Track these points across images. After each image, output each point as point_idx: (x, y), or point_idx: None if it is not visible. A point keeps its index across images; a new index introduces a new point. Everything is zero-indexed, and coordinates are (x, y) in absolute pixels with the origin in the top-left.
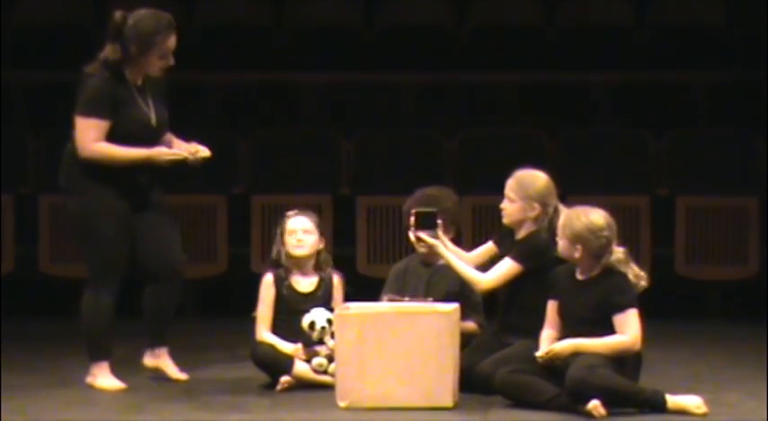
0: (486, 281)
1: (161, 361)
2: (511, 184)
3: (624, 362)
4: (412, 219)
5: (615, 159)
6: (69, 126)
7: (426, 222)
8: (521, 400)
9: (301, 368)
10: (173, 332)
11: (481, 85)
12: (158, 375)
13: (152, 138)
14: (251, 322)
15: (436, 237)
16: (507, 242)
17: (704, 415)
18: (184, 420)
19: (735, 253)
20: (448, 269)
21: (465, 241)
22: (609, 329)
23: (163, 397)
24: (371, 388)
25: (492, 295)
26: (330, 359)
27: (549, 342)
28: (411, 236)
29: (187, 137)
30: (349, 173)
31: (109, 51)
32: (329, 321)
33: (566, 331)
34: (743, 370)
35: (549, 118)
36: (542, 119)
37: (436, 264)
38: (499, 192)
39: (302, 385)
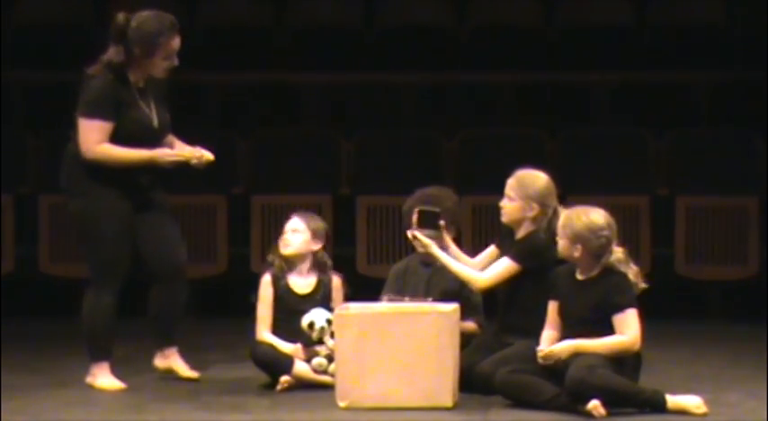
0: (482, 279)
1: (171, 361)
2: (511, 183)
3: (624, 362)
4: (414, 217)
5: (615, 159)
6: (70, 126)
7: (428, 221)
8: (521, 400)
9: (301, 368)
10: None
11: (481, 85)
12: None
13: (153, 141)
14: (251, 322)
15: (439, 236)
16: (507, 242)
17: (704, 415)
18: (184, 420)
19: (735, 253)
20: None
21: (465, 241)
22: (609, 329)
23: (163, 397)
24: (371, 388)
25: (492, 295)
26: (330, 359)
27: (550, 342)
28: (408, 233)
29: (187, 137)
30: (349, 173)
31: (112, 53)
32: (328, 321)
33: (566, 331)
34: (743, 370)
35: (549, 118)
36: (542, 119)
37: (436, 264)
38: (499, 193)
39: (302, 385)
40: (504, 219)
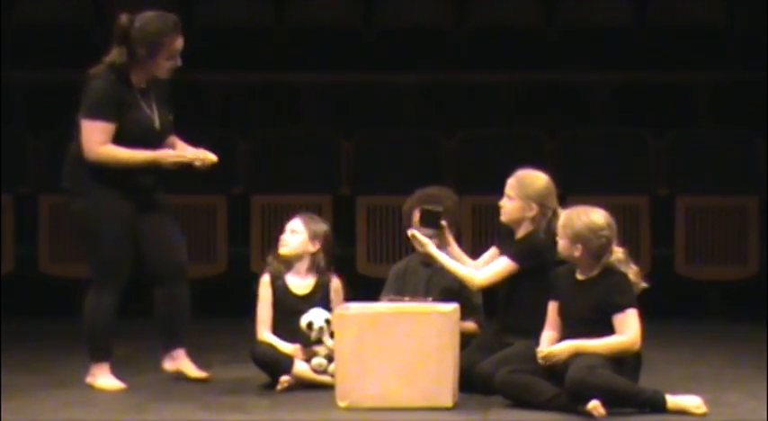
0: (480, 278)
1: (180, 362)
2: (511, 183)
3: (624, 362)
4: (416, 215)
5: (615, 159)
6: (70, 126)
7: (430, 220)
8: (520, 400)
9: (301, 368)
10: None
11: (481, 85)
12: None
13: (155, 142)
14: (251, 322)
15: (438, 236)
16: (507, 243)
17: (704, 415)
18: (184, 420)
19: (735, 253)
20: None
21: (465, 241)
22: (609, 329)
23: (163, 397)
24: (371, 388)
25: (492, 295)
26: (329, 359)
27: (550, 343)
28: (408, 232)
29: (187, 137)
30: (349, 173)
31: (115, 55)
32: (327, 321)
33: (566, 331)
34: (743, 370)
35: (549, 118)
36: (542, 119)
37: (436, 263)
38: (499, 192)
39: (302, 385)
40: (504, 218)
